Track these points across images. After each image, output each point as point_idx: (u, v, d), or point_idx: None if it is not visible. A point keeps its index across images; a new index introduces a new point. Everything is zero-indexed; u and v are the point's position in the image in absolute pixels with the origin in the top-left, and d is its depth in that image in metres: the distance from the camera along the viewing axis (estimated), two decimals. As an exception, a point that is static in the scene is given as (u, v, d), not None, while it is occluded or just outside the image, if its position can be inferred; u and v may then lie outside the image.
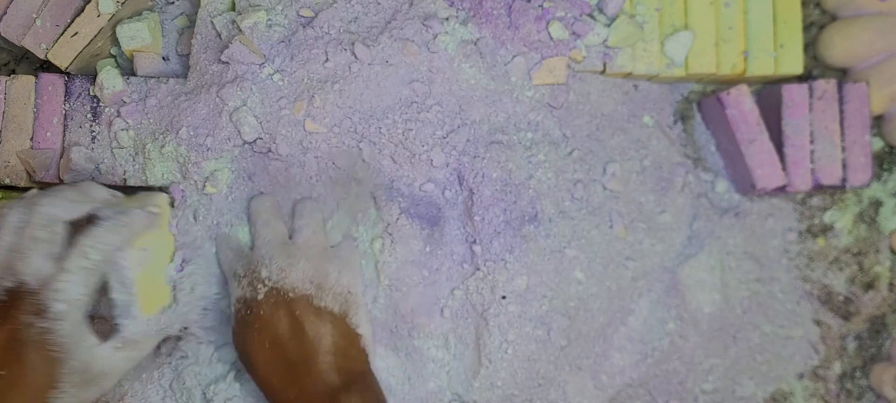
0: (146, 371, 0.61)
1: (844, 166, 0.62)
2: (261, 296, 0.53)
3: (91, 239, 0.51)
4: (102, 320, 0.54)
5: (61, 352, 0.49)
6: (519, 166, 0.60)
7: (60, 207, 0.51)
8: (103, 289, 0.53)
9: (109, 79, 0.60)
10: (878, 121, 0.66)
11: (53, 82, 0.61)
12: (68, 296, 0.50)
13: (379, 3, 0.60)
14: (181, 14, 0.65)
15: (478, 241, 0.59)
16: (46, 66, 0.65)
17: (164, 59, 0.64)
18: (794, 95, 0.62)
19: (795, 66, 0.63)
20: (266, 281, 0.54)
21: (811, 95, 0.62)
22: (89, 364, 0.51)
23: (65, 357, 0.50)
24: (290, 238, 0.58)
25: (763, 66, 0.62)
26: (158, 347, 0.61)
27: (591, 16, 0.61)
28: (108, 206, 0.53)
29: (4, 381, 0.48)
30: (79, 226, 0.51)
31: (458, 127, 0.60)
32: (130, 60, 0.64)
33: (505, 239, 0.59)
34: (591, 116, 0.63)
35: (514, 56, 0.61)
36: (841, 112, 0.62)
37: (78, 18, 0.61)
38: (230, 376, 0.61)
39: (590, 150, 0.62)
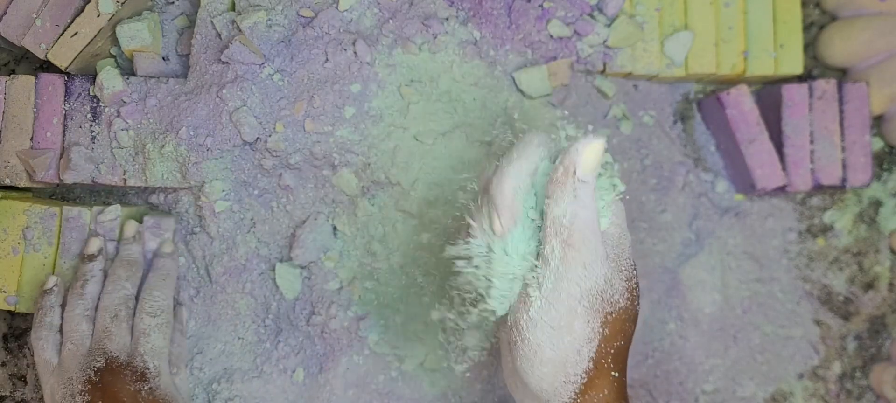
0: None
1: (844, 166, 0.62)
2: None
3: (150, 300, 0.57)
4: None
5: (169, 401, 0.55)
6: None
7: (126, 287, 0.57)
8: None
9: (109, 79, 0.60)
10: (878, 121, 0.66)
11: (53, 82, 0.61)
12: (156, 353, 0.56)
13: (379, 3, 0.60)
14: (181, 14, 0.65)
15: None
16: (46, 66, 0.65)
17: (164, 59, 0.64)
18: (794, 95, 0.62)
19: (795, 66, 0.63)
20: None
21: (811, 95, 0.62)
22: (181, 398, 0.57)
23: None
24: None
25: (763, 66, 0.62)
26: None
27: (591, 16, 0.61)
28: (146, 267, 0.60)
29: None
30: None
31: (455, 127, 0.60)
32: (130, 60, 0.63)
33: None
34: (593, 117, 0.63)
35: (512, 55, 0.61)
36: (841, 112, 0.62)
37: (78, 18, 0.61)
38: (231, 375, 0.61)
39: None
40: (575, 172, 0.40)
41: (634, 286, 0.43)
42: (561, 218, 0.40)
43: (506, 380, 0.46)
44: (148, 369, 0.54)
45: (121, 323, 0.55)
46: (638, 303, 0.43)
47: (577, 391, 0.41)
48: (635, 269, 0.43)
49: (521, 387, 0.44)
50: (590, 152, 0.40)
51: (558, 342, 0.40)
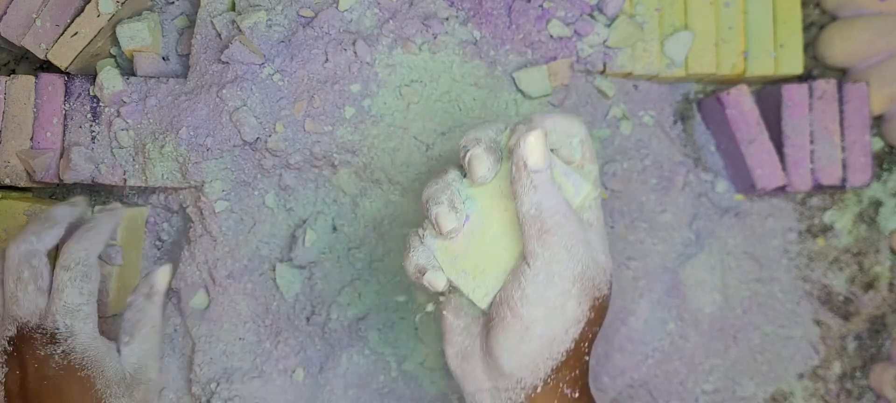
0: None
1: (844, 166, 0.62)
2: None
3: (66, 253, 0.51)
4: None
5: (90, 368, 0.50)
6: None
7: (30, 241, 0.51)
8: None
9: (109, 79, 0.60)
10: (878, 121, 0.66)
11: (53, 82, 0.61)
12: (69, 311, 0.50)
13: (379, 3, 0.60)
14: (181, 14, 0.65)
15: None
16: (46, 66, 0.65)
17: (164, 59, 0.64)
18: (794, 95, 0.62)
19: (795, 66, 0.63)
20: None
21: (811, 95, 0.62)
22: (121, 368, 0.52)
23: (96, 371, 0.50)
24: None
25: (763, 66, 0.62)
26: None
27: (591, 16, 0.61)
28: (76, 219, 0.55)
29: None
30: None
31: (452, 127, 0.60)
32: (130, 60, 0.63)
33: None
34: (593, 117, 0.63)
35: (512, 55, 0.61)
36: (841, 112, 0.62)
37: (78, 18, 0.61)
38: (231, 375, 0.61)
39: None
40: (526, 166, 0.41)
41: (611, 278, 0.44)
42: (529, 211, 0.41)
43: (454, 364, 0.46)
44: (57, 329, 0.49)
45: (26, 285, 0.50)
46: (610, 296, 0.45)
47: (554, 367, 0.42)
48: (610, 268, 0.45)
49: (487, 367, 0.44)
50: (533, 143, 0.41)
51: (551, 320, 0.42)
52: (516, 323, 0.42)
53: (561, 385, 0.43)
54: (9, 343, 0.50)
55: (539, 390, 0.43)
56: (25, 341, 0.49)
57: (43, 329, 0.50)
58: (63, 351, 0.49)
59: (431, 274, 0.45)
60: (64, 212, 0.54)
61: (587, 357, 0.44)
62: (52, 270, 0.51)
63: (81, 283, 0.51)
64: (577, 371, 0.43)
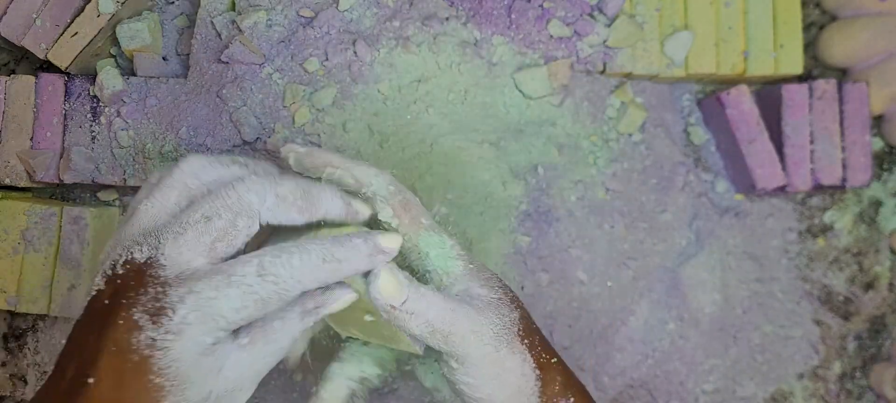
0: None
1: (844, 166, 0.62)
2: None
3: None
4: None
5: (171, 380, 0.36)
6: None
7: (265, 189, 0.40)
8: None
9: (109, 79, 0.60)
10: (878, 121, 0.66)
11: (53, 82, 0.61)
12: (202, 309, 0.36)
13: (379, 3, 0.60)
14: (181, 14, 0.65)
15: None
16: (46, 66, 0.65)
17: (164, 59, 0.64)
18: (794, 95, 0.62)
19: (795, 65, 0.63)
20: None
21: (811, 95, 0.62)
22: (211, 390, 0.38)
23: (174, 386, 0.36)
24: None
25: (763, 66, 0.62)
26: None
27: (591, 16, 0.61)
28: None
29: None
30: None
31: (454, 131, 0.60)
32: (130, 60, 0.63)
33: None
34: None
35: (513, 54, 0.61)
36: (841, 112, 0.62)
37: (78, 18, 0.61)
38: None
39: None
40: (393, 306, 0.40)
41: (507, 292, 0.45)
42: (424, 332, 0.41)
43: None
44: (174, 310, 0.36)
45: (225, 233, 0.39)
46: (518, 298, 0.46)
47: (538, 398, 0.44)
48: (497, 277, 0.45)
49: None
50: (384, 288, 0.40)
51: (504, 384, 0.43)
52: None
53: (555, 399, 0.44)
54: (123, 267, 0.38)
55: None
56: (135, 281, 0.37)
57: (159, 291, 0.36)
58: (152, 341, 0.36)
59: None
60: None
61: (554, 360, 0.45)
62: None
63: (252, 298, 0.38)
64: (559, 377, 0.44)
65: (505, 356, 0.42)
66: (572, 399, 0.44)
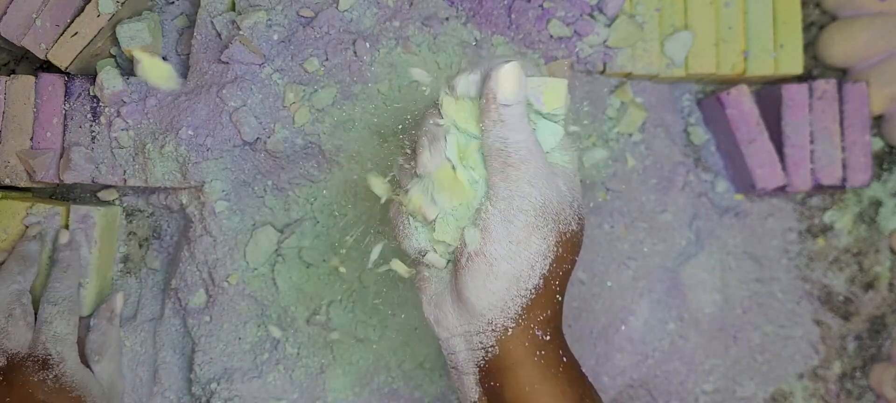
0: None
1: (844, 166, 0.62)
2: None
3: (52, 290, 0.57)
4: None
5: (80, 389, 0.55)
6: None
7: (17, 281, 0.57)
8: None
9: (109, 79, 0.60)
10: (878, 121, 0.66)
11: (53, 82, 0.61)
12: (58, 339, 0.56)
13: (379, 3, 0.60)
14: (181, 14, 0.65)
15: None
16: (46, 66, 0.65)
17: (164, 59, 0.64)
18: (794, 95, 0.62)
19: (795, 65, 0.63)
20: None
21: (811, 95, 0.62)
22: (100, 385, 0.58)
23: (84, 391, 0.56)
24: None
25: (763, 66, 0.62)
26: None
27: (591, 16, 0.61)
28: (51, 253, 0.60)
29: None
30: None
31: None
32: (130, 60, 0.63)
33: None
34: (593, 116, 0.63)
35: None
36: (841, 112, 0.62)
37: (78, 18, 0.61)
38: (231, 375, 0.61)
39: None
40: (496, 98, 0.40)
41: (582, 217, 0.43)
42: (494, 144, 0.41)
43: (428, 312, 0.45)
44: (50, 356, 0.55)
45: (17, 321, 0.55)
46: (583, 234, 0.44)
47: (523, 306, 0.41)
48: (582, 206, 0.44)
49: (458, 310, 0.43)
50: (505, 77, 0.40)
51: (516, 256, 0.41)
52: (481, 260, 0.41)
53: (532, 326, 0.42)
54: (0, 374, 0.54)
55: (510, 332, 0.41)
56: (17, 370, 0.54)
57: (34, 356, 0.55)
58: (55, 375, 0.55)
59: (432, 256, 0.44)
60: (36, 249, 0.59)
61: (559, 297, 0.43)
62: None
63: (68, 316, 0.57)
64: (549, 312, 0.42)
65: (534, 232, 0.40)
66: (549, 336, 0.42)
